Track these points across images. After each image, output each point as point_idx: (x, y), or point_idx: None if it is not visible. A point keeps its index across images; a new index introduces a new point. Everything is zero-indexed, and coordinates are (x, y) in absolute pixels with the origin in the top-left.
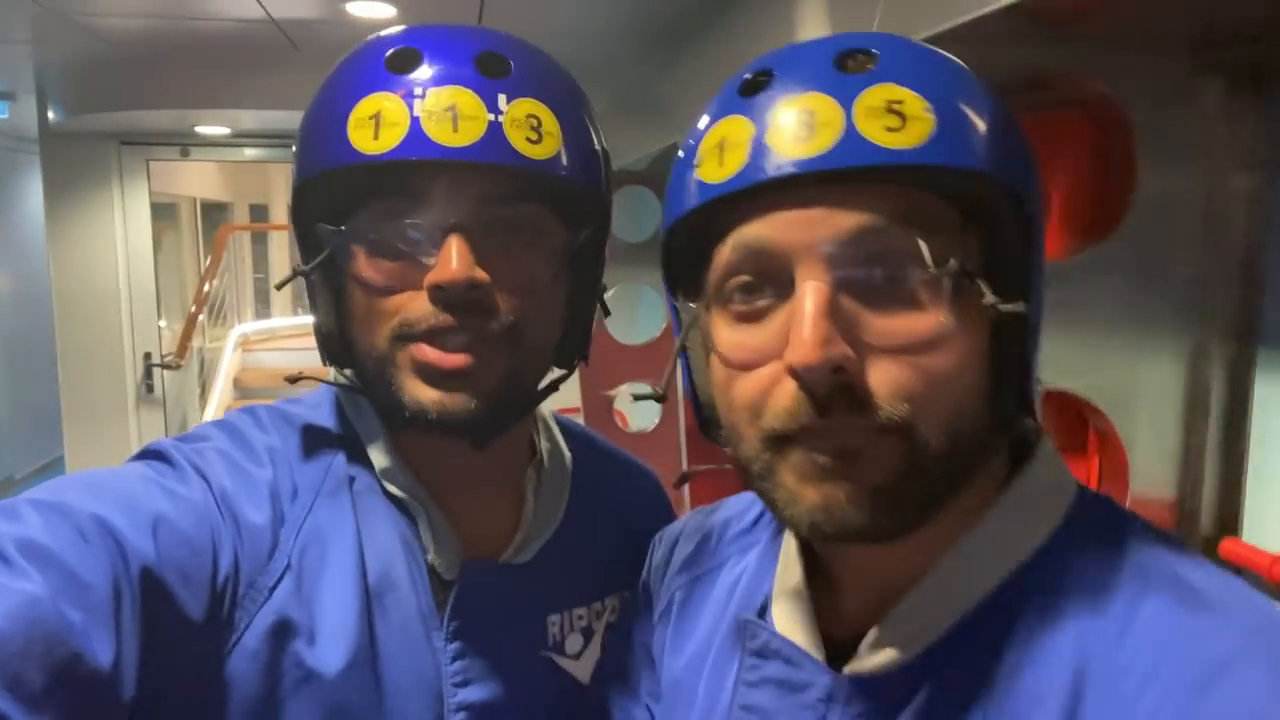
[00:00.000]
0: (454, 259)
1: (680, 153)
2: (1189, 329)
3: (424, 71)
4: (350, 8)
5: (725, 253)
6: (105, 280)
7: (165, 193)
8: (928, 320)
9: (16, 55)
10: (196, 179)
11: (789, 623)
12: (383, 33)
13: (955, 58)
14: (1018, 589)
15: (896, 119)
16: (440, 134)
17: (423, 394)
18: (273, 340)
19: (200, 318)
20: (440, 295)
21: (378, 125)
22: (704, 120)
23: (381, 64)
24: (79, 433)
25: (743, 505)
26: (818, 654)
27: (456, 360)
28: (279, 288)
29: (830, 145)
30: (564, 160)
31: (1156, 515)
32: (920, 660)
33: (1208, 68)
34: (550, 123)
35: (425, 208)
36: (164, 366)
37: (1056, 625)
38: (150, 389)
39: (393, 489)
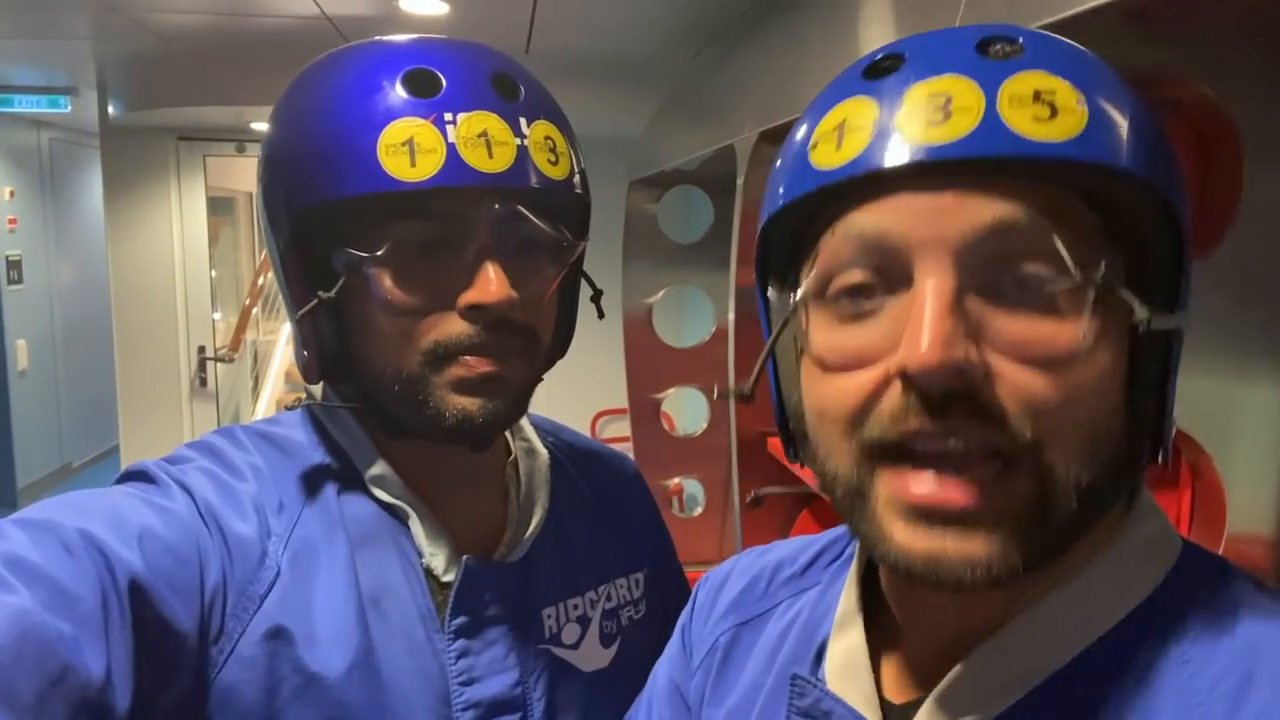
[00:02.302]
0: (492, 282)
1: (793, 135)
2: None
3: (449, 96)
4: (404, 5)
5: (833, 244)
6: (161, 273)
7: (222, 187)
8: (1066, 330)
9: (79, 51)
10: (252, 174)
11: (843, 680)
12: (381, 42)
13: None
14: (1115, 647)
15: (1046, 109)
16: (477, 160)
17: (465, 403)
18: None
19: (254, 311)
20: (478, 315)
21: (413, 152)
22: (820, 102)
23: (401, 86)
24: (134, 423)
25: (796, 547)
26: (874, 718)
27: (493, 368)
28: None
29: (967, 131)
30: (576, 177)
31: (1254, 556)
32: None
33: None
34: (561, 143)
35: (458, 231)
36: (217, 360)
37: (1160, 687)
38: (204, 381)
39: (383, 495)
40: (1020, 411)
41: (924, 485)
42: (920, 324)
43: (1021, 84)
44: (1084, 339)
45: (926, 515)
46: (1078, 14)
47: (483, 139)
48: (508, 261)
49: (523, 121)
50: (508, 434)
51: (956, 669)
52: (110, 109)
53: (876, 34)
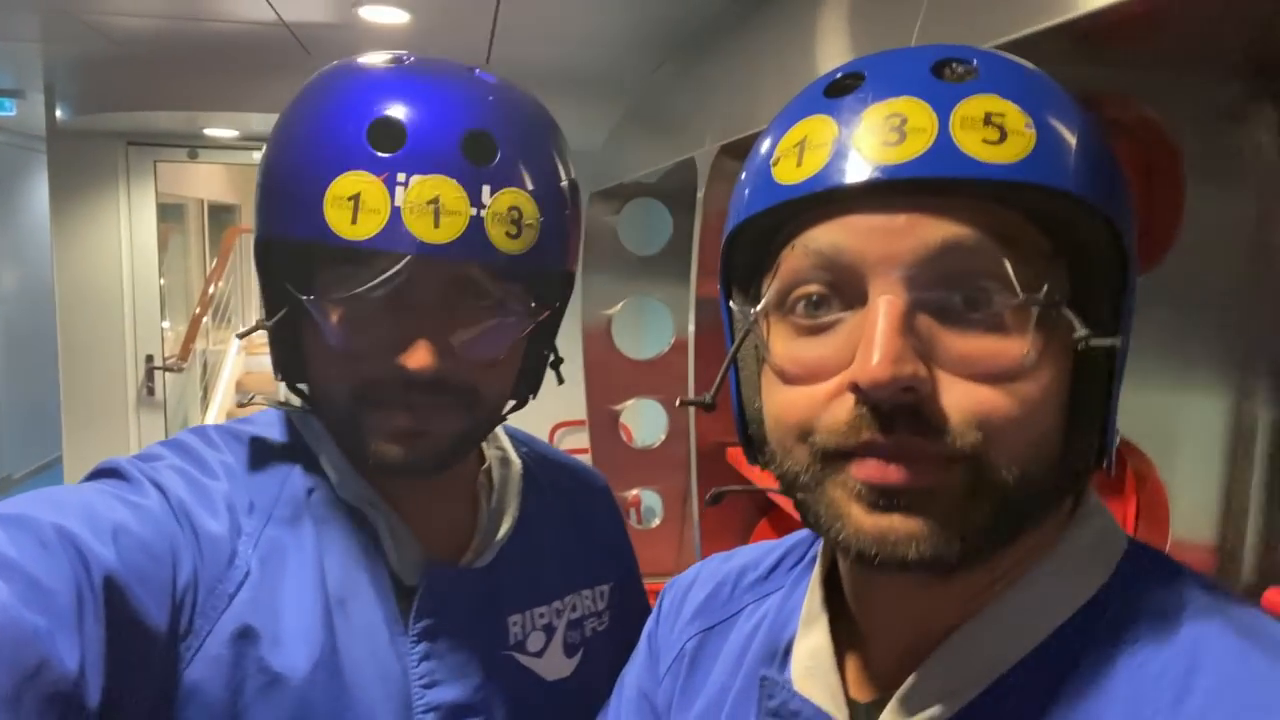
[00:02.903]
0: (420, 353)
1: (751, 154)
2: (1234, 366)
3: (409, 154)
4: (363, 12)
5: (793, 258)
6: (109, 280)
7: (172, 194)
8: (1011, 347)
9: (25, 53)
10: (204, 180)
11: (810, 680)
12: (365, 73)
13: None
14: (1068, 640)
15: (995, 132)
16: (420, 229)
17: (385, 450)
18: None
19: (205, 320)
20: (407, 376)
21: (356, 209)
22: (783, 118)
23: (363, 137)
24: (78, 433)
25: (760, 552)
26: (841, 716)
27: (413, 424)
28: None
29: (921, 152)
30: (540, 250)
31: (1197, 561)
32: (959, 718)
33: (1260, 94)
34: (531, 212)
35: (396, 291)
36: (166, 369)
37: (1111, 677)
38: (151, 391)
39: (352, 499)
40: (964, 424)
41: (867, 468)
42: (872, 341)
43: (973, 107)
44: (1027, 356)
45: (875, 499)
46: (1031, 34)
47: (432, 206)
48: (452, 322)
49: (485, 190)
50: (482, 444)
51: (919, 670)
52: (58, 112)
53: (833, 50)
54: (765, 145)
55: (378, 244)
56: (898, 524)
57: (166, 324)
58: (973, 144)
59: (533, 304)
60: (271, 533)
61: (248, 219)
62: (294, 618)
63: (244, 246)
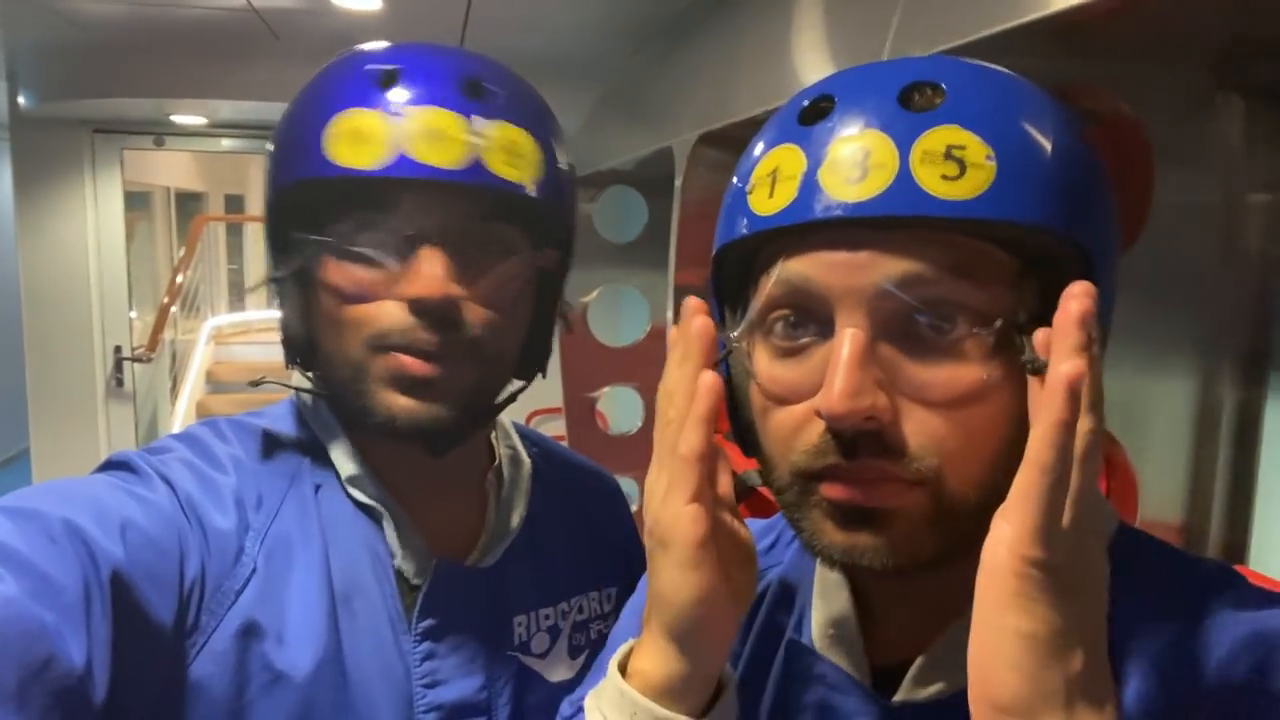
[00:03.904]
0: (432, 273)
1: (735, 174)
2: (1201, 350)
3: (405, 90)
4: None
5: (769, 285)
6: (75, 271)
7: (139, 182)
8: (968, 374)
9: None
10: (171, 168)
11: (834, 648)
12: (367, 46)
13: (1037, 90)
14: None
15: (954, 166)
16: (422, 154)
17: (394, 401)
18: (247, 333)
19: (173, 310)
20: (418, 307)
21: (359, 141)
22: (760, 143)
23: (363, 79)
24: (46, 426)
25: (757, 530)
26: (865, 680)
27: (429, 369)
28: (251, 290)
29: (881, 190)
30: (538, 184)
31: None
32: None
33: (1228, 84)
34: (528, 148)
35: (401, 222)
36: (134, 359)
37: (1117, 643)
38: (120, 382)
39: (358, 495)
40: (921, 450)
41: (834, 489)
42: (834, 374)
43: (934, 140)
44: (983, 382)
45: (842, 518)
46: (1007, 29)
47: (433, 133)
48: (458, 259)
49: (481, 121)
50: (493, 439)
51: (929, 650)
52: (21, 99)
53: (810, 37)
54: (745, 166)
55: (385, 171)
56: (864, 540)
57: (134, 314)
58: (931, 180)
59: (534, 251)
60: (279, 528)
61: (215, 207)
62: (299, 615)
63: (211, 235)
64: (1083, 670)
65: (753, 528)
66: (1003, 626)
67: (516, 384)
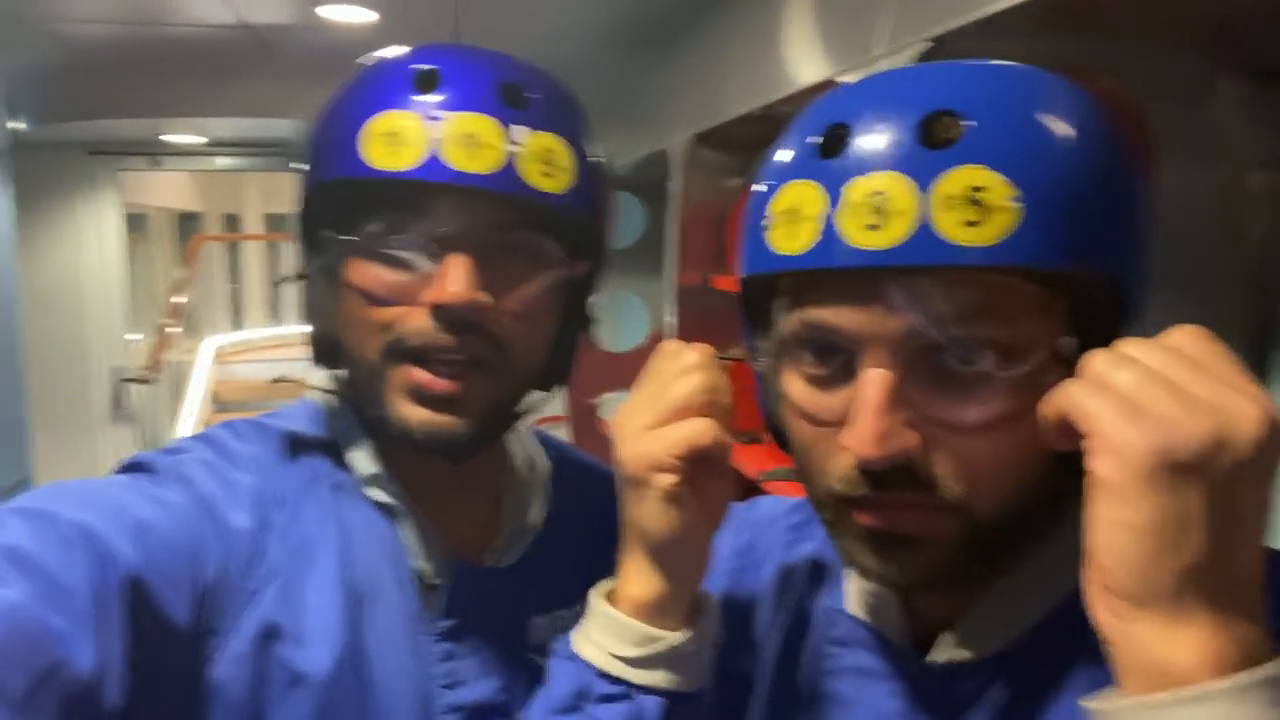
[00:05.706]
0: (458, 279)
1: (752, 202)
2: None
3: (444, 94)
4: (322, 11)
5: (792, 323)
6: (75, 294)
7: (136, 203)
8: (995, 405)
9: None
10: (168, 189)
11: (874, 614)
12: (407, 50)
13: (1066, 99)
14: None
15: (976, 211)
16: (456, 159)
17: (410, 413)
18: (249, 351)
19: (173, 330)
20: (441, 314)
21: (395, 143)
22: (775, 169)
23: (402, 82)
24: (47, 451)
25: (789, 506)
26: (905, 643)
27: (446, 385)
28: (277, 285)
29: (900, 240)
30: (572, 196)
31: None
32: (1006, 651)
33: (1226, 65)
34: (564, 158)
35: (430, 226)
36: (136, 381)
37: None
38: (121, 404)
39: (376, 495)
40: (950, 479)
41: (867, 517)
42: (861, 417)
43: (954, 183)
44: (1010, 412)
45: (875, 544)
46: (1003, 10)
47: (468, 139)
48: (487, 267)
49: (520, 129)
50: (509, 444)
51: (964, 620)
52: (16, 124)
53: (801, 34)
54: (761, 197)
55: (418, 174)
56: (897, 564)
57: (135, 336)
58: (952, 227)
59: (564, 262)
60: (297, 528)
61: (211, 227)
62: (318, 616)
63: (211, 255)
64: (1203, 568)
65: (785, 505)
66: (1111, 518)
67: (537, 394)
